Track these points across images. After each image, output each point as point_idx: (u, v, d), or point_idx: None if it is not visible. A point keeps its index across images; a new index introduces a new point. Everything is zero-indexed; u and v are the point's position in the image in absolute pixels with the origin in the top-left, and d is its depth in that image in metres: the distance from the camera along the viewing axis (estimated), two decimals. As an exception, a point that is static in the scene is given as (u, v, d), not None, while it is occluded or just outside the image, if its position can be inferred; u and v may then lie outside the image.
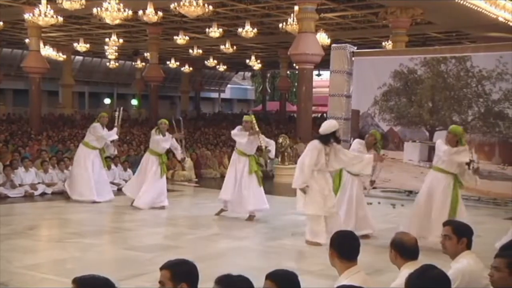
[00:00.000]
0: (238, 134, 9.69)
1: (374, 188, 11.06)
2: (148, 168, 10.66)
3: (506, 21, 19.62)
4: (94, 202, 10.84)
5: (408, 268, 3.38)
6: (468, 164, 7.22)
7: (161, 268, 3.01)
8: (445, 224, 4.11)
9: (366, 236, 7.95)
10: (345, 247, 3.50)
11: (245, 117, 9.86)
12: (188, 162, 15.98)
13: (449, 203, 7.36)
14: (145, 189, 10.51)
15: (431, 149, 11.20)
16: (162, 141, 10.60)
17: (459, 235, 3.94)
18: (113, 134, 11.26)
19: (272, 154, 9.99)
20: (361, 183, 8.38)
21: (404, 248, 3.68)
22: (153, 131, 10.84)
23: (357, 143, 8.46)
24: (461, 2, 17.26)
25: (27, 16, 19.31)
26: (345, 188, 8.31)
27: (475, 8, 17.94)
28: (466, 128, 11.02)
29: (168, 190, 11.44)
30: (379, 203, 11.56)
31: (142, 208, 10.30)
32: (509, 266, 3.31)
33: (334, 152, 7.82)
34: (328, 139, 7.75)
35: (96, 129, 11.12)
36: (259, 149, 10.17)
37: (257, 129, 9.62)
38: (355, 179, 8.30)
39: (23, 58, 27.42)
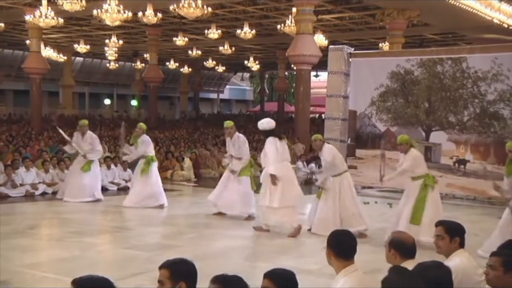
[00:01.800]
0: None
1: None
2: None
3: (501, 23, 19.73)
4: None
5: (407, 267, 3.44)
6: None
7: (160, 267, 3.01)
8: (437, 224, 4.16)
9: (363, 235, 8.05)
10: (342, 246, 3.50)
11: (226, 123, 9.81)
12: (187, 162, 16.05)
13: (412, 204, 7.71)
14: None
15: (427, 149, 11.35)
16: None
17: (452, 234, 4.00)
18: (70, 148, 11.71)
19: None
20: (348, 182, 8.46)
21: (403, 247, 3.68)
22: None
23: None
24: (457, 4, 17.37)
25: (28, 17, 19.38)
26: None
27: (471, 10, 18.06)
28: (462, 128, 11.17)
29: (167, 190, 11.51)
30: (376, 202, 11.66)
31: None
32: (504, 264, 3.35)
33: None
34: None
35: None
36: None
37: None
38: (343, 178, 8.39)
39: (24, 59, 27.48)
